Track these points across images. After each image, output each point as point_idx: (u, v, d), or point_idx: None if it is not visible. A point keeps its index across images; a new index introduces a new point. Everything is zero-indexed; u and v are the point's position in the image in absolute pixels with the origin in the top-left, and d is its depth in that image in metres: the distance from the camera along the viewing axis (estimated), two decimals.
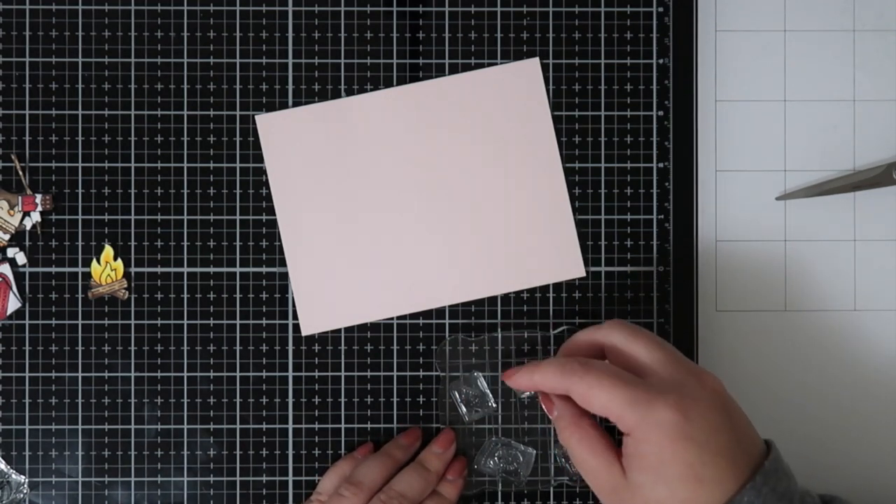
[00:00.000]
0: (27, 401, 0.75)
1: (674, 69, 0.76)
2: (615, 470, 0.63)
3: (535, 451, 0.75)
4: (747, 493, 0.60)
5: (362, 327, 0.76)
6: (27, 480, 0.75)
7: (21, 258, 0.75)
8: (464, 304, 0.76)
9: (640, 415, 0.61)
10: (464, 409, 0.75)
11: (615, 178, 0.76)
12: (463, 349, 0.75)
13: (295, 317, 0.75)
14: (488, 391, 0.75)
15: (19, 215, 0.75)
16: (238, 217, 0.75)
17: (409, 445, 0.74)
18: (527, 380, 0.67)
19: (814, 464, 0.76)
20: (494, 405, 0.75)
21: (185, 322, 0.75)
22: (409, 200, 0.75)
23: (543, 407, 0.69)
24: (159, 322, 0.75)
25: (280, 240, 0.75)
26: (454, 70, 0.76)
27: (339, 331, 0.75)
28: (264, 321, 0.75)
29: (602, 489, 0.64)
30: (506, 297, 0.76)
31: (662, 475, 0.61)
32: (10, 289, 0.74)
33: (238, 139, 0.76)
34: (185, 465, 0.75)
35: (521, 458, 0.75)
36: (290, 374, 0.75)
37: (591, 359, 0.65)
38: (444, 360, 0.75)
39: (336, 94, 0.76)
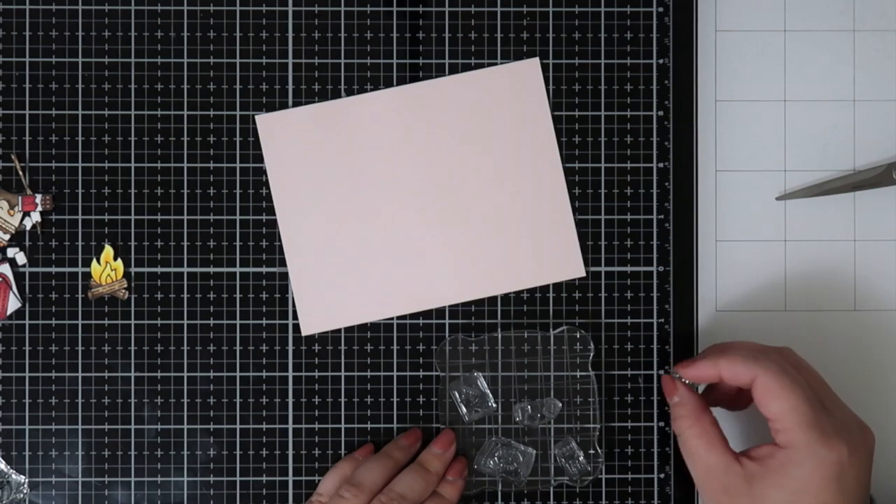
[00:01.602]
0: (27, 401, 0.75)
1: (674, 69, 0.76)
2: (735, 471, 0.65)
3: (535, 452, 0.75)
4: None
5: (362, 327, 0.76)
6: (27, 480, 0.75)
7: (21, 258, 0.75)
8: (464, 304, 0.76)
9: (812, 440, 0.63)
10: (464, 409, 0.75)
11: (615, 178, 0.76)
12: (463, 349, 0.75)
13: (295, 317, 0.75)
14: (488, 391, 0.75)
15: (19, 215, 0.75)
16: (238, 217, 0.75)
17: (409, 446, 0.74)
18: (710, 367, 0.68)
19: None
20: (494, 405, 0.75)
21: (185, 322, 0.75)
22: (408, 200, 0.75)
23: (664, 388, 0.70)
24: (159, 322, 0.75)
25: (280, 240, 0.75)
26: (454, 70, 0.76)
27: (339, 331, 0.75)
28: (264, 321, 0.75)
29: (712, 487, 0.66)
30: (506, 297, 0.76)
31: (799, 501, 0.63)
32: (10, 289, 0.74)
33: (238, 139, 0.76)
34: (185, 465, 0.75)
35: (521, 458, 0.75)
36: (290, 374, 0.75)
37: (790, 367, 0.67)
38: (444, 360, 0.75)
39: (336, 94, 0.76)
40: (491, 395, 0.75)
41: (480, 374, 0.75)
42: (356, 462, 0.73)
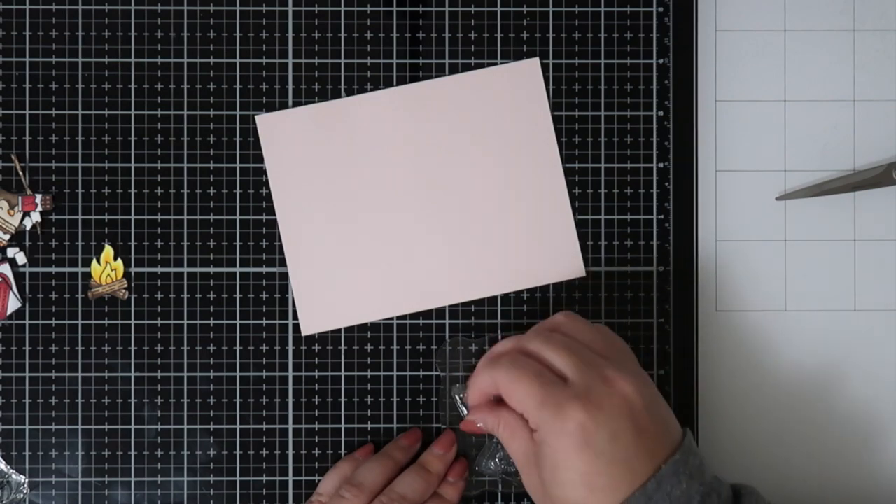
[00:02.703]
0: (27, 401, 0.75)
1: (674, 69, 0.76)
2: (533, 451, 0.65)
3: None
4: (635, 500, 0.61)
5: (362, 327, 0.76)
6: (27, 480, 0.75)
7: (21, 258, 0.75)
8: (464, 304, 0.76)
9: (546, 418, 0.63)
10: (464, 410, 0.75)
11: (615, 178, 0.76)
12: (463, 349, 0.75)
13: (295, 317, 0.75)
14: None
15: (19, 215, 0.75)
16: (238, 217, 0.75)
17: (409, 446, 0.74)
18: (472, 389, 0.69)
19: (813, 463, 0.76)
20: None
21: (185, 322, 0.75)
22: (408, 200, 0.75)
23: (473, 433, 0.70)
24: (159, 322, 0.75)
25: (280, 240, 0.75)
26: (454, 70, 0.76)
27: (339, 331, 0.75)
28: (264, 321, 0.75)
29: (524, 470, 0.66)
30: (506, 297, 0.76)
31: (557, 478, 0.63)
32: (10, 289, 0.74)
33: (238, 139, 0.76)
34: (185, 465, 0.75)
35: None
36: (290, 374, 0.75)
37: (523, 356, 0.67)
38: (445, 361, 0.75)
39: (336, 94, 0.76)
40: None
41: None
42: (356, 462, 0.73)
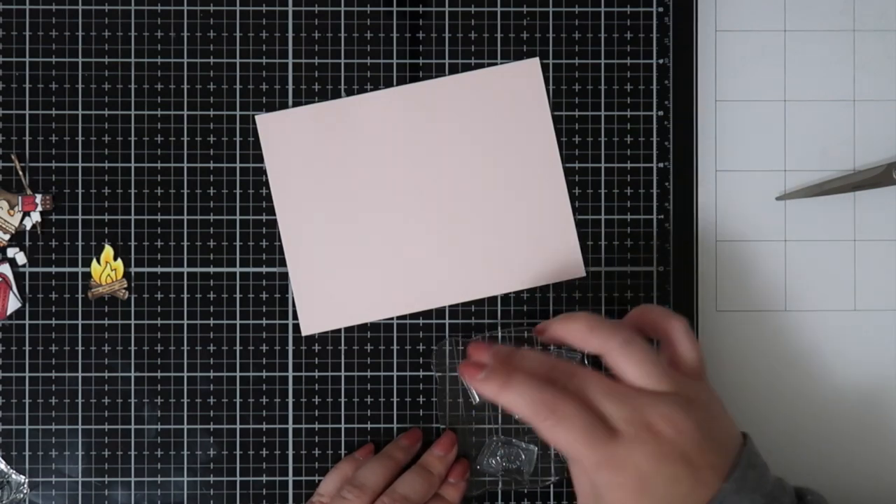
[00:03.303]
0: (27, 401, 0.75)
1: (674, 69, 0.76)
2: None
3: (536, 449, 0.75)
4: None
5: (362, 327, 0.76)
6: (27, 480, 0.75)
7: (21, 258, 0.75)
8: (464, 304, 0.76)
9: (601, 476, 0.62)
10: (475, 394, 0.75)
11: (615, 178, 0.76)
12: (463, 349, 0.75)
13: (295, 317, 0.75)
14: None
15: (19, 215, 0.75)
16: (238, 217, 0.75)
17: (410, 447, 0.74)
18: (561, 328, 0.66)
19: (813, 464, 0.76)
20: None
21: (185, 322, 0.75)
22: (409, 200, 0.75)
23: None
24: (159, 322, 0.75)
25: (280, 240, 0.75)
26: (454, 70, 0.76)
27: (339, 331, 0.75)
28: (264, 321, 0.75)
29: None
30: (506, 297, 0.76)
31: None
32: (10, 289, 0.74)
33: (238, 139, 0.76)
34: (185, 465, 0.75)
35: (524, 456, 0.75)
36: (290, 374, 0.75)
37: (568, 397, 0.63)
38: (444, 361, 0.75)
39: (336, 94, 0.76)
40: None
41: None
42: (357, 462, 0.73)
